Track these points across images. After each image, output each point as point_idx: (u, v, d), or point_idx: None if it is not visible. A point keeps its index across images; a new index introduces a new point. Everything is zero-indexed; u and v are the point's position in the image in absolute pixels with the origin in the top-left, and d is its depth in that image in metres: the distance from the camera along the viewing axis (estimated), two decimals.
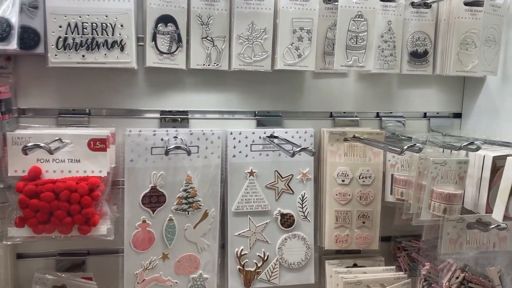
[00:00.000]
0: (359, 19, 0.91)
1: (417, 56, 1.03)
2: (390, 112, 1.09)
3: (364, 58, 0.92)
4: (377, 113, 1.09)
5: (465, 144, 0.83)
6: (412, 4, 1.01)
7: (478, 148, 0.83)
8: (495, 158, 0.84)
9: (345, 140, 1.00)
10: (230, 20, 0.94)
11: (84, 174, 0.81)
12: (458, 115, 1.12)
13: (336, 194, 1.00)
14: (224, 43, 0.94)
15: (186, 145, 0.87)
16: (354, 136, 0.99)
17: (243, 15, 0.92)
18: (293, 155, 0.82)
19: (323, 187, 1.01)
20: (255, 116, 1.03)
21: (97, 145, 0.80)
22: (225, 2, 0.93)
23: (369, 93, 1.07)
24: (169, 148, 0.84)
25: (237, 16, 0.92)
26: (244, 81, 1.01)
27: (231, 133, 0.98)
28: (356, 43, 0.91)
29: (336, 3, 0.94)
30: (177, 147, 0.83)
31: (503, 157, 0.81)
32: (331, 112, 1.06)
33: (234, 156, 0.98)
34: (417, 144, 0.77)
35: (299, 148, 0.83)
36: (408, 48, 1.03)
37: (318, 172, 1.03)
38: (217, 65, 0.95)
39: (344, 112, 1.07)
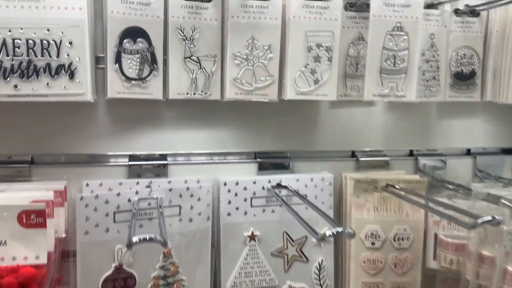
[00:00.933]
0: (398, 32, 0.67)
1: (463, 78, 0.81)
2: (427, 149, 0.86)
3: (404, 84, 0.69)
4: (411, 151, 0.85)
5: None
6: (456, 12, 0.78)
7: None
8: None
9: (376, 189, 0.76)
10: (223, 34, 0.70)
11: (14, 262, 0.55)
12: (509, 152, 0.90)
13: (364, 261, 0.76)
14: (215, 64, 0.70)
15: (161, 213, 0.62)
16: (388, 185, 0.75)
17: (240, 27, 0.68)
18: (321, 239, 0.54)
19: (347, 253, 0.77)
20: (255, 159, 0.78)
21: (32, 219, 0.55)
22: (215, 9, 0.69)
23: (400, 125, 0.83)
24: (133, 240, 0.52)
25: (232, 28, 0.68)
26: (240, 113, 0.77)
27: (225, 184, 0.73)
28: (394, 65, 0.68)
29: (362, 12, 0.71)
30: (149, 239, 0.53)
31: None
32: (353, 151, 0.83)
33: (229, 214, 0.73)
34: (497, 218, 0.53)
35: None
36: (452, 68, 0.80)
37: None
38: (205, 93, 0.71)
39: (370, 150, 0.83)
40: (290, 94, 0.69)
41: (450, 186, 0.78)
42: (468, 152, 0.88)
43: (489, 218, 0.53)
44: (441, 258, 0.75)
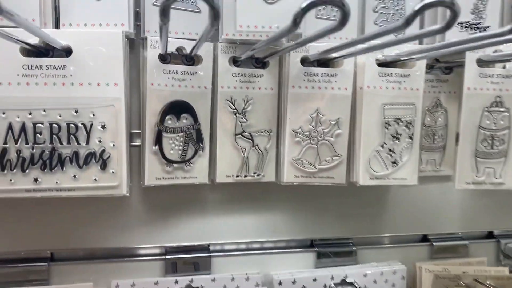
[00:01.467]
0: (497, 108, 0.55)
1: None
2: (509, 230, 0.73)
3: (503, 170, 0.57)
4: (490, 232, 0.73)
5: None
6: None
7: None
8: None
9: (458, 286, 0.64)
10: (280, 105, 0.58)
11: None
12: None
13: None
14: (270, 140, 0.59)
15: None
16: (476, 281, 0.63)
17: (302, 99, 0.57)
18: None
19: None
20: (312, 247, 0.66)
21: None
22: (270, 76, 0.58)
23: (479, 203, 0.71)
24: None
25: (292, 100, 0.57)
26: (295, 194, 0.65)
27: (280, 283, 0.61)
28: (492, 147, 0.56)
29: (439, 75, 0.60)
30: None
31: None
32: (426, 235, 0.70)
33: None
34: None
35: None
36: None
37: None
38: (258, 175, 0.59)
39: (445, 234, 0.70)
40: (363, 179, 0.57)
41: None
42: None
43: None
44: None
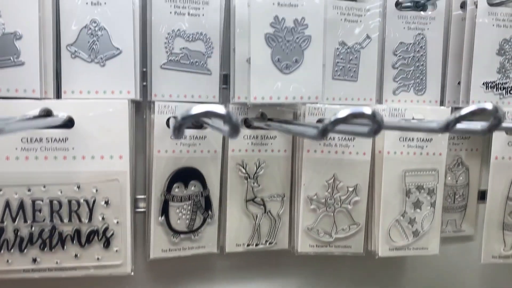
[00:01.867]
0: None
1: None
2: None
3: None
4: None
5: None
6: None
7: None
8: None
9: None
10: (294, 169, 0.55)
11: None
12: None
13: None
14: (283, 206, 0.55)
15: None
16: None
17: (318, 164, 0.53)
18: None
19: None
20: None
21: None
22: (284, 138, 0.54)
23: (503, 267, 0.67)
24: None
25: (306, 165, 0.53)
26: (309, 262, 0.61)
27: None
28: None
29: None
30: None
31: None
32: None
33: None
34: None
35: None
36: None
37: None
38: (270, 243, 0.56)
39: None
40: (383, 251, 0.54)
41: None
42: None
43: None
44: None
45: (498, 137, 0.51)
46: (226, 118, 0.26)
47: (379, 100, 0.57)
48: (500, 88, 0.56)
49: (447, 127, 0.30)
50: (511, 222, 0.52)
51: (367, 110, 0.27)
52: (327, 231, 0.54)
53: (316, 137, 0.28)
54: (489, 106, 0.28)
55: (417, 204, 0.54)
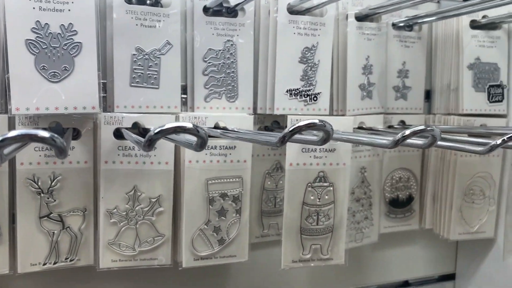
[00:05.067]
0: (320, 183, 0.53)
1: (398, 206, 0.69)
2: (362, 286, 0.73)
3: (330, 246, 0.55)
4: None
5: None
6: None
7: None
8: None
9: None
10: (95, 181, 0.52)
11: None
12: (450, 277, 0.79)
13: None
14: (85, 220, 0.52)
15: None
16: None
17: (117, 176, 0.50)
18: None
19: None
20: None
21: None
22: (83, 148, 0.51)
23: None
24: None
25: (105, 177, 0.50)
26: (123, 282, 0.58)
27: None
28: (317, 223, 0.54)
29: None
30: None
31: None
32: None
33: None
34: None
35: None
36: (386, 195, 0.68)
37: None
38: (71, 260, 0.52)
39: None
40: (187, 261, 0.53)
41: None
42: (407, 284, 0.76)
43: None
44: None
45: (291, 146, 0.52)
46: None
47: (192, 108, 0.56)
48: (304, 95, 0.57)
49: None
50: (308, 226, 0.54)
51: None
52: (130, 244, 0.52)
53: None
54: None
55: (221, 212, 0.54)
